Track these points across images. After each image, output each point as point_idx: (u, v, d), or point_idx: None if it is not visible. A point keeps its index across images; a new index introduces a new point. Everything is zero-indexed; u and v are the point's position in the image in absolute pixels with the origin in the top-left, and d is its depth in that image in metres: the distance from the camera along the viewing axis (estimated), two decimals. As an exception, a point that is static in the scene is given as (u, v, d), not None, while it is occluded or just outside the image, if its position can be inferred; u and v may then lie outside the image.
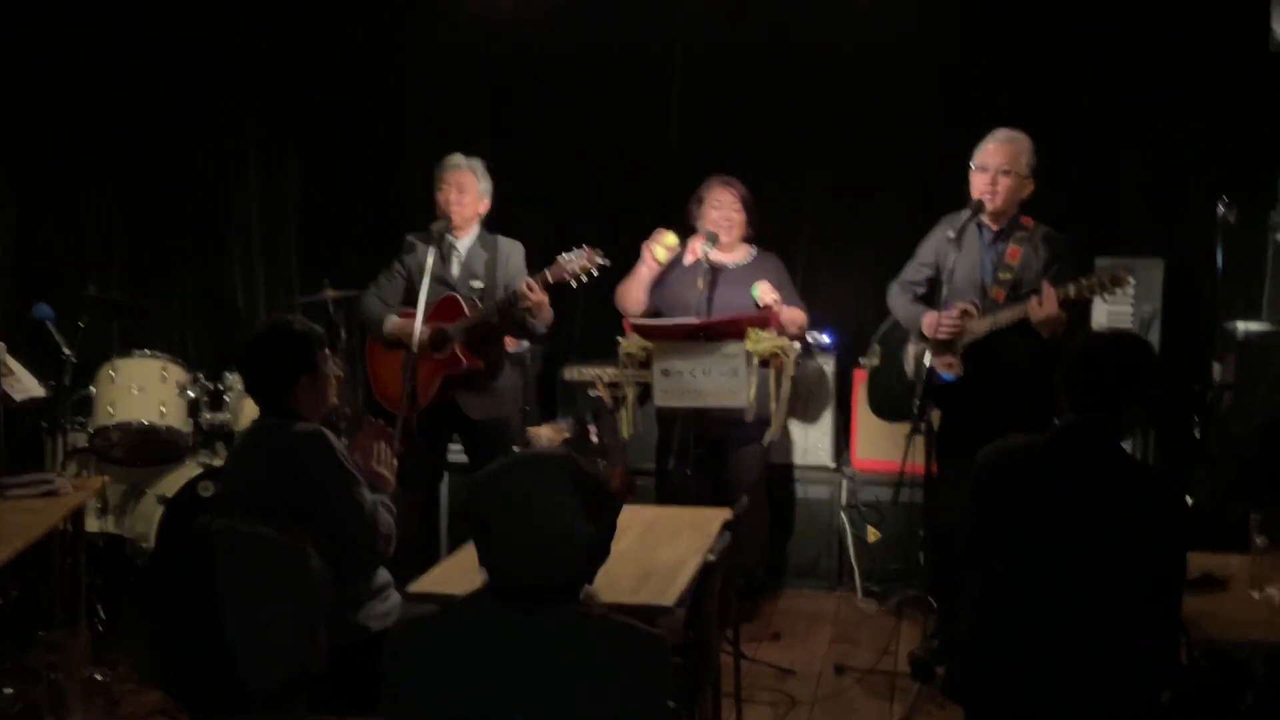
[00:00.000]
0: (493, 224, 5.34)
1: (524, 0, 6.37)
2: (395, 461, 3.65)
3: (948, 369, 4.57)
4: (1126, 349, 3.13)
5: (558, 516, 2.19)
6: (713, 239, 5.28)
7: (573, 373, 6.06)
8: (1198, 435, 5.25)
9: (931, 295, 4.79)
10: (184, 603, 1.80)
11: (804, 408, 5.88)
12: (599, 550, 2.29)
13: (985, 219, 4.65)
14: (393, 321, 5.19)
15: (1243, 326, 5.13)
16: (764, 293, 5.23)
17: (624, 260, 5.32)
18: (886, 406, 5.06)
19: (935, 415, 4.75)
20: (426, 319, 4.98)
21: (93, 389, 5.36)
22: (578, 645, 2.22)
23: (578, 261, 4.90)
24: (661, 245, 5.31)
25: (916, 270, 4.88)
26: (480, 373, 5.12)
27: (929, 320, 4.66)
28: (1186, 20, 5.63)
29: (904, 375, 4.85)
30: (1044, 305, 4.33)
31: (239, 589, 1.82)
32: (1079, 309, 4.57)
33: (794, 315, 5.28)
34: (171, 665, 1.80)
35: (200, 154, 6.68)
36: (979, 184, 4.61)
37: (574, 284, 4.95)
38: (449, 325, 5.06)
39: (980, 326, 4.55)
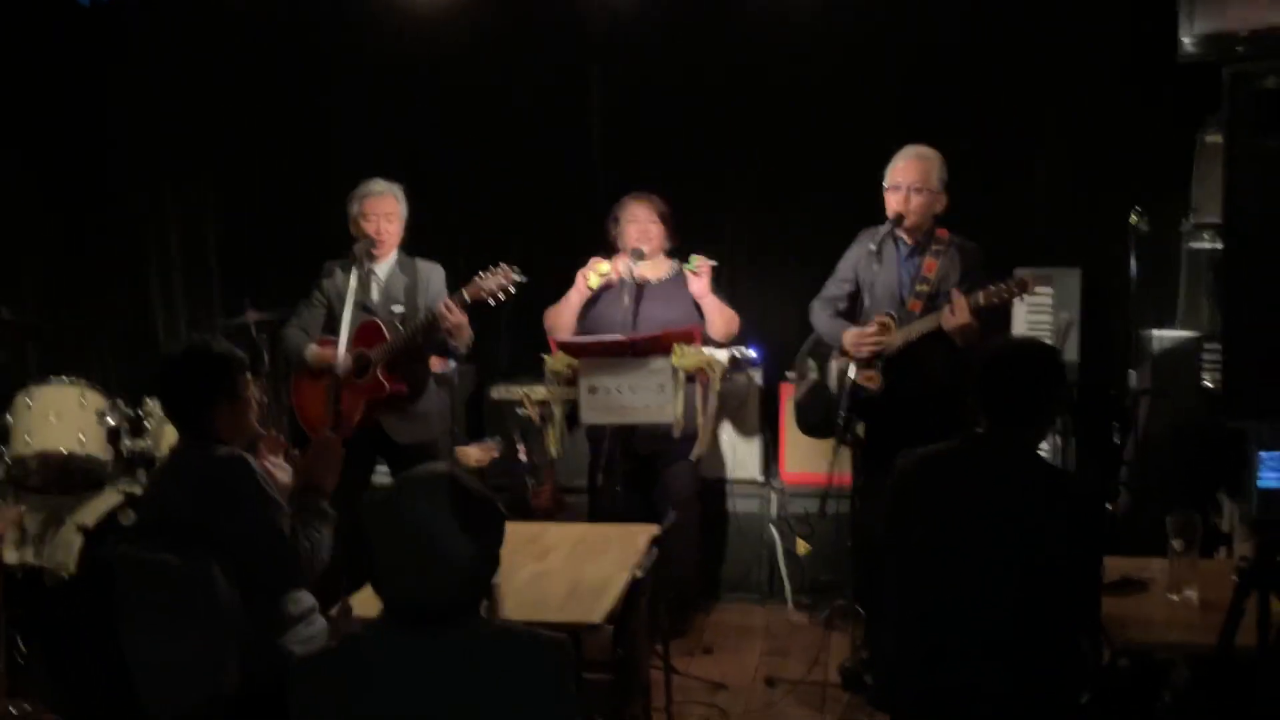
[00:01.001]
0: (414, 248, 5.32)
1: (443, 23, 6.33)
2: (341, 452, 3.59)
3: (868, 382, 4.62)
4: (1033, 358, 3.20)
5: (437, 538, 2.18)
6: (638, 255, 5.30)
7: (500, 392, 6.04)
8: (1116, 441, 5.34)
9: (852, 310, 4.86)
10: (85, 632, 1.76)
11: (732, 422, 5.90)
12: (483, 566, 2.27)
13: (901, 233, 4.72)
14: (313, 351, 5.17)
15: (1158, 334, 5.23)
16: (700, 262, 5.27)
17: (548, 281, 5.35)
18: (814, 424, 5.09)
19: (861, 428, 4.78)
20: (348, 345, 4.96)
21: (8, 417, 5.24)
22: (477, 661, 2.21)
23: (494, 280, 4.92)
24: (595, 272, 5.34)
25: (837, 286, 4.95)
26: (403, 396, 5.11)
27: (849, 336, 4.71)
28: (1098, 32, 5.73)
29: (828, 389, 4.89)
30: (955, 314, 4.42)
31: (140, 617, 1.79)
32: (998, 317, 4.65)
33: (722, 308, 5.32)
34: (74, 696, 1.77)
35: (116, 175, 6.59)
36: (892, 202, 4.70)
37: (491, 302, 4.95)
38: (370, 350, 5.04)
39: (895, 340, 4.61)
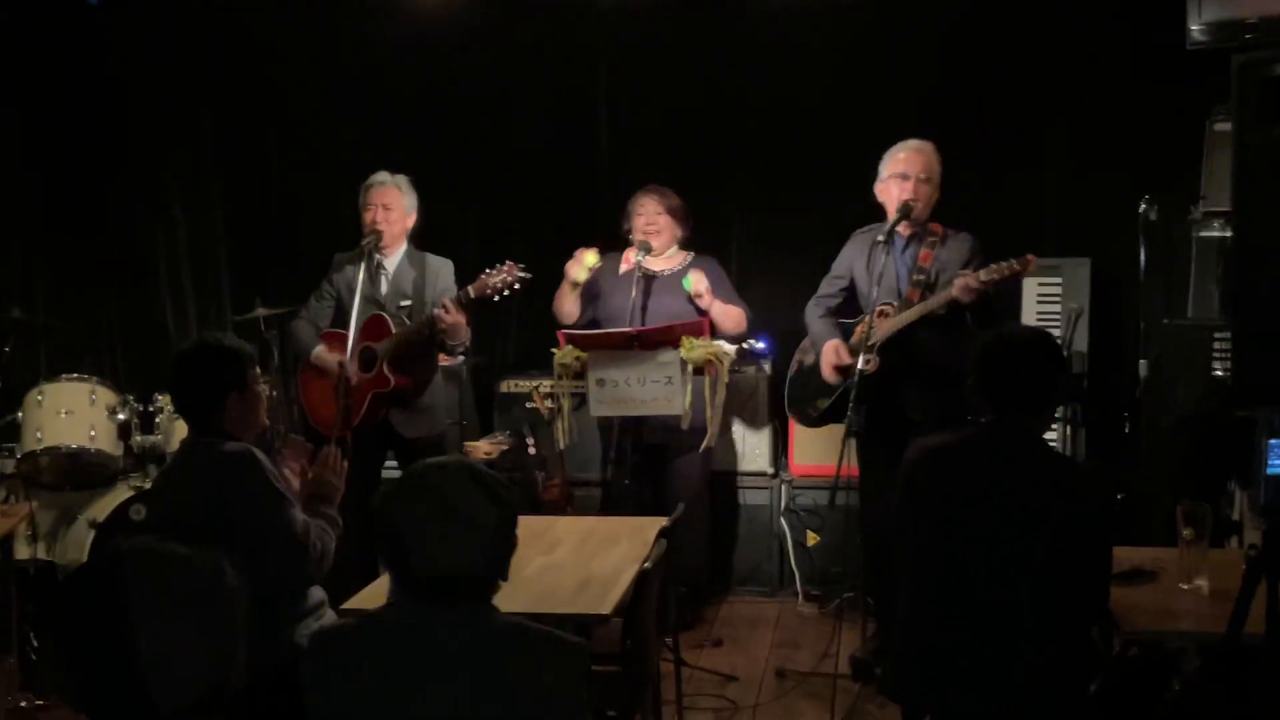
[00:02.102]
0: (424, 242, 5.32)
1: (447, 22, 6.32)
2: (346, 465, 3.64)
3: (866, 365, 4.61)
4: (1029, 345, 3.21)
5: (463, 503, 2.26)
6: (645, 248, 5.30)
7: (509, 385, 6.05)
8: (1126, 430, 5.33)
9: (846, 305, 4.90)
10: (94, 623, 1.78)
11: (741, 414, 5.90)
12: (505, 535, 2.32)
13: (899, 226, 4.72)
14: (319, 354, 5.18)
15: (1167, 323, 5.22)
16: (695, 281, 5.26)
17: (555, 276, 5.36)
18: (793, 401, 5.12)
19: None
20: (355, 339, 4.96)
21: (20, 414, 5.27)
22: (493, 649, 2.24)
23: (499, 277, 4.91)
24: (581, 265, 5.33)
25: (830, 283, 4.99)
26: (408, 390, 5.11)
27: (827, 351, 4.77)
28: (1106, 20, 5.71)
29: (817, 374, 4.89)
30: (965, 280, 4.45)
31: (149, 608, 1.80)
32: (1006, 301, 4.66)
33: (729, 310, 5.31)
34: (83, 686, 1.78)
35: (123, 174, 6.60)
36: (896, 191, 4.72)
37: (496, 299, 4.96)
38: (376, 345, 5.05)
39: (907, 316, 4.62)
